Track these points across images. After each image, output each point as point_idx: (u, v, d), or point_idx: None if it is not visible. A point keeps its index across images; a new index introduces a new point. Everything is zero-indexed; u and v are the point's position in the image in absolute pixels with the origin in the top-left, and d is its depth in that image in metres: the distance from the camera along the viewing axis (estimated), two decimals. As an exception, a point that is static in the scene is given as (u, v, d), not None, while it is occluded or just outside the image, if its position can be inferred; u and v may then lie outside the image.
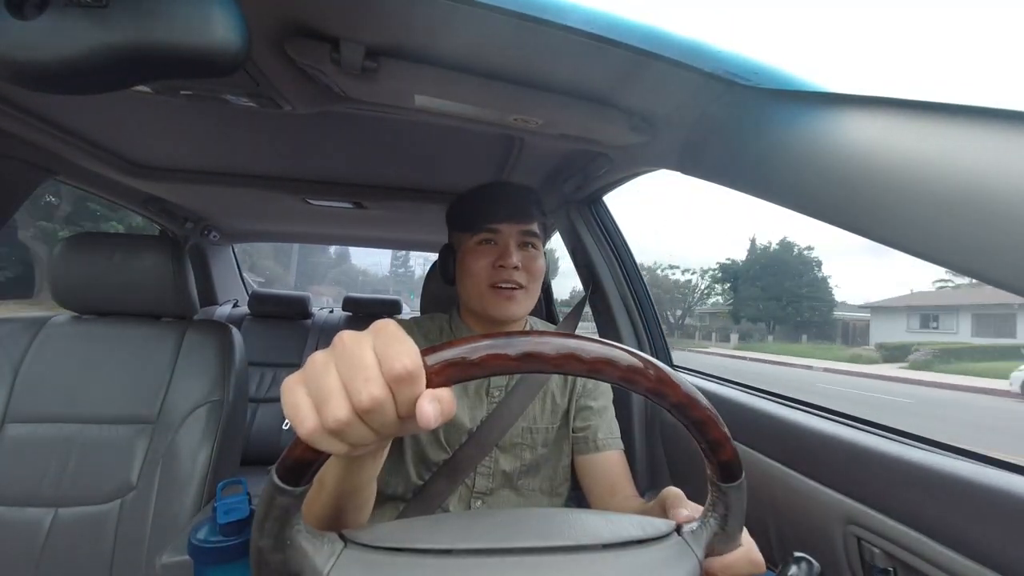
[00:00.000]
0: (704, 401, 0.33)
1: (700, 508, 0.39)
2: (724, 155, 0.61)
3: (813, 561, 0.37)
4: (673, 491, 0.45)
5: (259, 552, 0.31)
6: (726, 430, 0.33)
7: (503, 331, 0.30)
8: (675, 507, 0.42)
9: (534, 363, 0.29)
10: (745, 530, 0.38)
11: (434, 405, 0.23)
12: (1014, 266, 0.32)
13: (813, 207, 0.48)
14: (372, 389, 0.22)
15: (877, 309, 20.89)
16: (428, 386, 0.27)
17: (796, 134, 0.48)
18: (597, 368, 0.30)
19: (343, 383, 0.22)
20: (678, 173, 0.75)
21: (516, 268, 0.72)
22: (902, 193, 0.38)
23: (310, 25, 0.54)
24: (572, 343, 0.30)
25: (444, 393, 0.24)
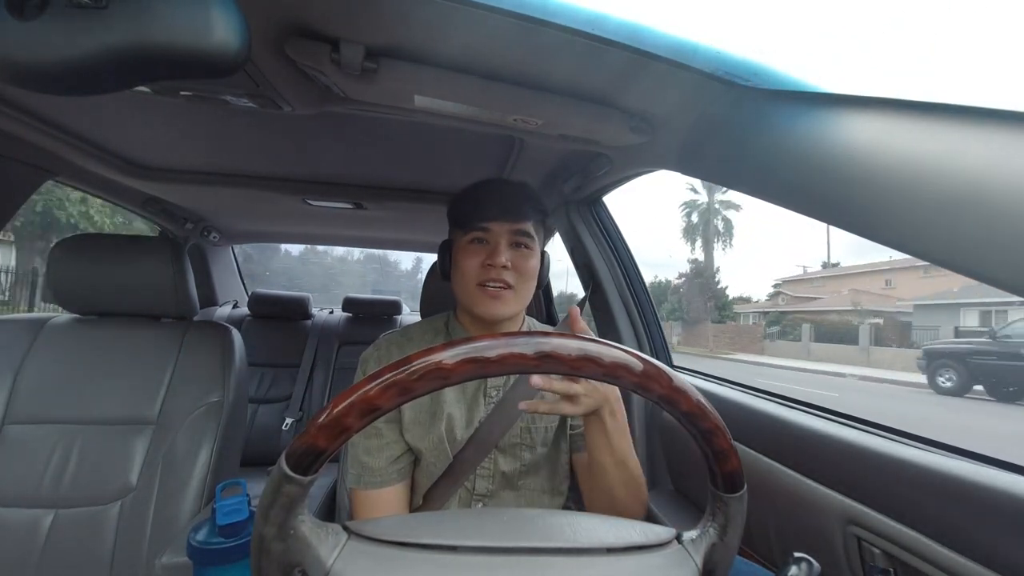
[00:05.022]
0: (713, 411, 0.33)
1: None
2: (723, 155, 0.61)
3: (813, 561, 0.37)
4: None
5: (261, 539, 0.30)
6: (732, 442, 0.33)
7: (518, 331, 0.30)
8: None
9: (552, 364, 0.29)
10: None
11: None
12: (1013, 266, 0.32)
13: (812, 207, 0.48)
14: None
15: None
16: (446, 378, 0.28)
17: (795, 134, 0.48)
18: (614, 373, 0.30)
19: None
20: (678, 173, 0.75)
21: (505, 267, 0.70)
22: (901, 193, 0.38)
23: (310, 26, 0.54)
24: (591, 347, 0.30)
25: None
